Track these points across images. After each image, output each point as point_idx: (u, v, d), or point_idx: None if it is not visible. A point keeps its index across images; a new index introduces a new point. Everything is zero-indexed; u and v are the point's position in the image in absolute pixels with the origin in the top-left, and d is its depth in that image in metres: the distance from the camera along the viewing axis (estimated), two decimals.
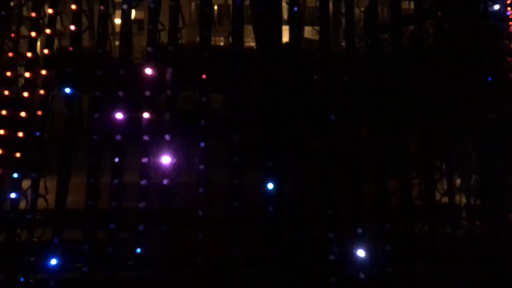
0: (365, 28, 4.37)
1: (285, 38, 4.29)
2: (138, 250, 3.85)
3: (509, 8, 4.57)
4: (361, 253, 3.93)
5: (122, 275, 3.89)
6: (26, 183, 4.12)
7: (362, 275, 3.91)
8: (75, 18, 4.17)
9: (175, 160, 3.96)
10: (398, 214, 4.13)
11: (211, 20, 4.19)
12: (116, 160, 3.97)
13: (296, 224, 4.01)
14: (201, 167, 3.99)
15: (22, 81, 4.33)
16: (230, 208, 3.98)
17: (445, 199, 4.33)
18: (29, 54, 4.21)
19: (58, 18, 4.23)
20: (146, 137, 3.98)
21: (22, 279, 3.94)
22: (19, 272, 3.96)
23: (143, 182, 3.93)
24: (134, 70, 4.08)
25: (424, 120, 4.27)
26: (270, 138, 4.10)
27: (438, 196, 4.28)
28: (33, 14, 4.22)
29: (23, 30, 4.36)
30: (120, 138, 3.99)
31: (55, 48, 4.27)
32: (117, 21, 4.29)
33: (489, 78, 4.49)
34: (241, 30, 4.18)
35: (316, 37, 4.27)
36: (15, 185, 4.09)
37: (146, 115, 4.00)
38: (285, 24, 4.21)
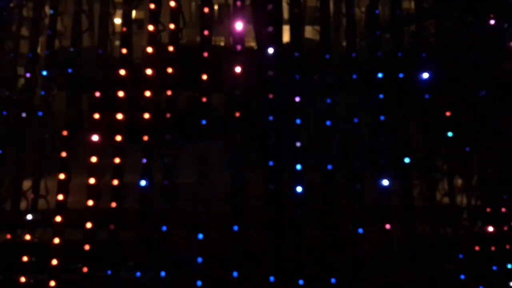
0: (366, 28, 4.36)
1: (286, 38, 4.29)
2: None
3: None
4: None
5: (122, 276, 3.89)
6: (27, 184, 4.12)
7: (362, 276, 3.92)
8: (75, 18, 4.17)
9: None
10: (398, 214, 4.12)
11: (211, 20, 4.19)
12: (117, 160, 3.97)
13: (296, 224, 4.01)
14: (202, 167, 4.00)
15: (22, 81, 4.33)
16: (231, 208, 3.98)
17: (446, 200, 4.32)
18: (29, 55, 4.20)
19: (58, 18, 4.22)
20: (146, 138, 3.99)
21: (23, 280, 3.95)
22: (20, 272, 3.96)
23: (144, 182, 3.93)
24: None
25: (425, 120, 4.27)
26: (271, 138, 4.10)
27: (439, 196, 4.28)
28: (33, 15, 4.22)
29: (23, 30, 4.35)
30: (120, 138, 3.99)
31: (55, 48, 4.26)
32: (117, 21, 4.28)
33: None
34: (241, 30, 4.17)
35: (317, 36, 4.27)
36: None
37: (146, 115, 4.01)
38: (286, 23, 4.21)
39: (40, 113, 4.14)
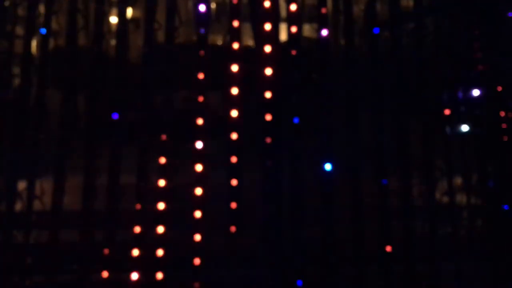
0: (365, 26, 4.34)
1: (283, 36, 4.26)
2: None
3: None
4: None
5: (120, 277, 3.87)
6: (22, 184, 4.09)
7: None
8: (71, 17, 4.14)
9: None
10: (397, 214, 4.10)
11: (208, 18, 4.16)
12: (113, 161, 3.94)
13: (295, 224, 3.98)
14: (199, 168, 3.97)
15: (17, 81, 4.30)
16: (229, 208, 3.95)
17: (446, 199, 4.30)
18: (24, 54, 4.17)
19: (53, 17, 4.19)
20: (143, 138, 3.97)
21: (18, 282, 3.92)
22: (15, 274, 3.93)
23: (141, 183, 3.91)
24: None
25: (425, 119, 4.24)
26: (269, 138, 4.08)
27: (438, 195, 4.25)
28: (28, 14, 4.19)
29: (18, 30, 4.32)
30: (117, 138, 3.97)
31: (50, 47, 4.23)
32: (113, 19, 4.26)
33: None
34: (238, 28, 4.14)
35: (315, 35, 4.25)
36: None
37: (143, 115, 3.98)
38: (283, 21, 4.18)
39: (35, 113, 4.11)
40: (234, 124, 4.04)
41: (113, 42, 4.28)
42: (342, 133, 4.07)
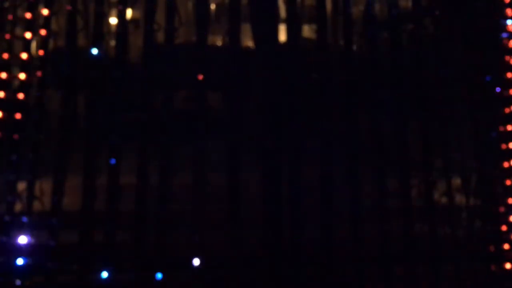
0: (364, 26, 4.35)
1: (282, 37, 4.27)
2: None
3: None
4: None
5: (119, 277, 3.87)
6: (21, 185, 4.09)
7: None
8: (70, 18, 4.14)
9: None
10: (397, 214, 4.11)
11: (207, 19, 4.17)
12: (113, 161, 3.95)
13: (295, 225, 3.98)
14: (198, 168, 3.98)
15: (17, 82, 4.30)
16: (229, 209, 3.95)
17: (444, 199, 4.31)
18: (24, 55, 4.17)
19: (53, 18, 4.20)
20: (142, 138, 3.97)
21: (18, 283, 3.92)
22: (15, 275, 3.93)
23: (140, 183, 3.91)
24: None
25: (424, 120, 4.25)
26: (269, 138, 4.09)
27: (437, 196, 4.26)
28: (28, 15, 4.19)
29: (18, 31, 4.32)
30: (116, 139, 3.98)
31: (50, 48, 4.23)
32: (113, 20, 4.26)
33: (487, 78, 4.46)
34: (238, 29, 4.15)
35: (314, 35, 4.26)
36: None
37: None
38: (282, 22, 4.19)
39: (34, 114, 4.11)
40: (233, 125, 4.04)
41: (113, 42, 4.29)
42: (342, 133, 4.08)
